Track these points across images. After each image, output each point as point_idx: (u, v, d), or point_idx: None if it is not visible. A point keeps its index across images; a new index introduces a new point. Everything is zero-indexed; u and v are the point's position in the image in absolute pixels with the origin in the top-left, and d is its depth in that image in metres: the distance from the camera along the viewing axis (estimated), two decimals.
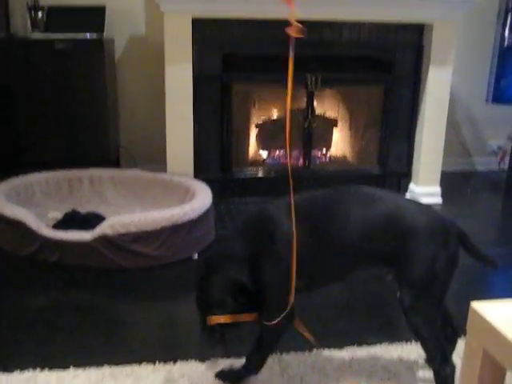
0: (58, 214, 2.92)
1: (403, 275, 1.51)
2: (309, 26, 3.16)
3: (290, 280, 1.48)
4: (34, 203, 3.01)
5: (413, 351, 1.89)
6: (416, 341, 1.93)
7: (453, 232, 1.52)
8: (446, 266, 1.49)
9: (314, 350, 1.88)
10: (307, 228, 1.53)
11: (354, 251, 1.54)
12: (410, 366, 1.81)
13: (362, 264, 1.60)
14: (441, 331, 1.56)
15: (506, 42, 3.68)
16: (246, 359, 1.68)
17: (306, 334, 1.66)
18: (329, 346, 1.91)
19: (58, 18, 3.35)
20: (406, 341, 1.95)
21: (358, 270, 1.63)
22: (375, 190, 1.62)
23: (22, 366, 1.76)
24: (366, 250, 1.54)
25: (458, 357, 1.65)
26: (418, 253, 1.48)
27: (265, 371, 1.75)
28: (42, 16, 3.32)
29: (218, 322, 1.54)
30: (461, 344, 1.62)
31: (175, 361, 1.81)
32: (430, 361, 1.57)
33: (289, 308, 1.51)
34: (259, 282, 1.54)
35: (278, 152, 3.62)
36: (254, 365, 1.67)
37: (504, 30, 3.66)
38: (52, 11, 3.36)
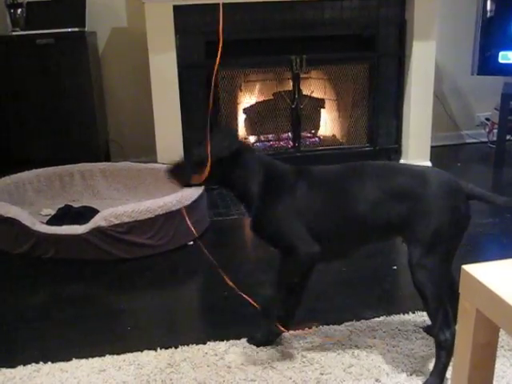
0: (51, 211, 2.93)
1: (413, 235, 1.56)
2: (290, 6, 3.19)
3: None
4: (26, 201, 3.01)
5: (410, 322, 1.91)
6: (413, 312, 1.97)
7: (461, 195, 1.57)
8: (454, 227, 1.55)
9: (314, 327, 1.90)
10: (324, 194, 1.64)
11: (368, 221, 1.59)
12: (409, 337, 1.84)
13: (377, 234, 1.66)
14: (445, 294, 1.57)
15: (488, 14, 3.68)
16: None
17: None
18: (328, 323, 1.93)
19: (38, 13, 3.34)
20: (404, 312, 1.97)
21: (372, 242, 1.71)
22: (387, 162, 1.69)
23: (25, 361, 1.77)
24: (379, 220, 1.59)
25: None
26: (429, 214, 1.53)
27: (266, 350, 1.78)
28: (22, 12, 3.29)
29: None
30: None
31: (176, 346, 1.82)
32: (432, 323, 1.59)
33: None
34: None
35: (266, 135, 3.63)
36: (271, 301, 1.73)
37: (486, 2, 3.66)
38: (31, 7, 3.34)
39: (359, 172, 1.65)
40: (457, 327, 1.06)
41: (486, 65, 3.74)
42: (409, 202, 1.55)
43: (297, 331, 1.86)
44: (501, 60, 3.64)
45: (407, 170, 1.63)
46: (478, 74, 3.78)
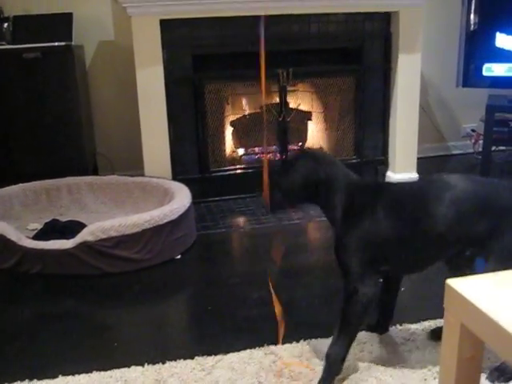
0: (37, 226, 2.91)
1: (494, 250, 1.55)
2: (277, 20, 3.21)
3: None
4: (13, 216, 2.99)
5: (398, 335, 1.91)
6: (401, 324, 1.97)
7: None
8: None
9: (301, 341, 1.89)
10: (396, 214, 1.59)
11: (446, 238, 1.57)
12: (396, 350, 1.84)
13: (451, 251, 1.64)
14: None
15: (472, 27, 3.73)
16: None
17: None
18: (315, 337, 1.92)
19: (25, 27, 3.33)
20: (391, 325, 1.97)
21: (448, 257, 1.70)
22: (453, 175, 1.66)
23: (11, 379, 1.75)
24: (458, 235, 1.57)
25: None
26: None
27: (253, 363, 1.77)
28: (8, 26, 3.29)
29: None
30: None
31: (164, 361, 1.81)
32: None
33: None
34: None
35: (253, 148, 3.64)
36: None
37: (469, 15, 3.71)
38: (18, 21, 3.34)
39: (437, 187, 1.61)
40: (441, 342, 1.06)
41: (471, 77, 3.77)
42: (490, 214, 1.54)
43: (285, 345, 1.86)
44: (485, 73, 3.68)
45: (480, 182, 1.63)
46: (462, 86, 3.82)
